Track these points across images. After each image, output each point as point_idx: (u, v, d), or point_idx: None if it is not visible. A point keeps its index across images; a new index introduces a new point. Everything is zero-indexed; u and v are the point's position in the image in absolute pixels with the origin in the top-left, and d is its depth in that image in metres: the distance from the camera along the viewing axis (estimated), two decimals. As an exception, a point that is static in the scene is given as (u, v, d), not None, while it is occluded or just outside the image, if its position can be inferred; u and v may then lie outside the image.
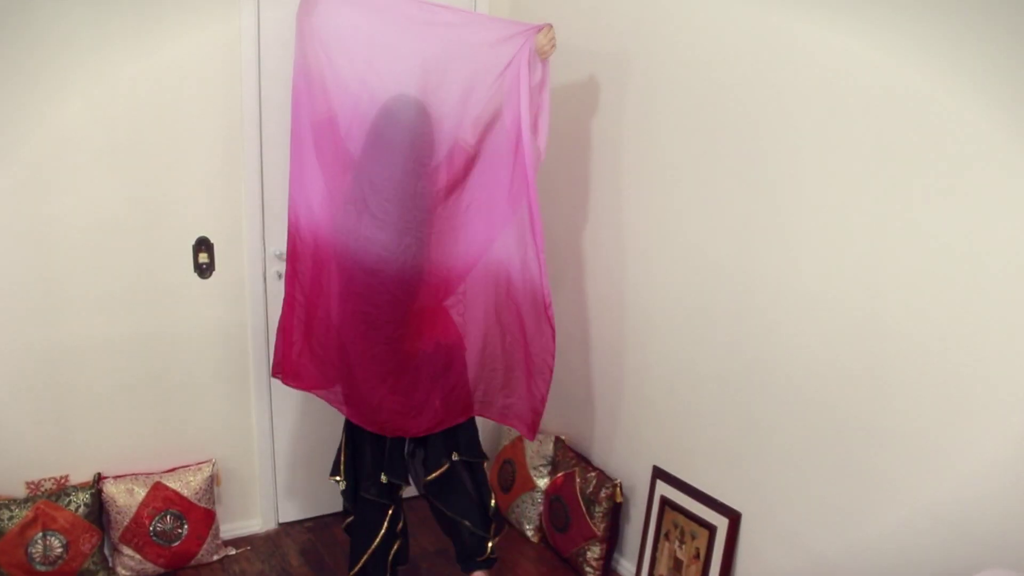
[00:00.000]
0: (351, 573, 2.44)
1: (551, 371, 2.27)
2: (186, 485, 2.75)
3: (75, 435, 2.66)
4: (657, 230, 2.54)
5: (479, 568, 2.49)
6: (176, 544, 2.72)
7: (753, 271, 2.20)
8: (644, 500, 2.66)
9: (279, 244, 2.81)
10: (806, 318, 2.06)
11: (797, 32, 2.00)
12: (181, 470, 2.79)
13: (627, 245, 2.67)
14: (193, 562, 2.79)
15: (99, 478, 2.67)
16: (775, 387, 2.17)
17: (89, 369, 2.65)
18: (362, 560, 2.41)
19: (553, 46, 2.21)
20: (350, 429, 2.42)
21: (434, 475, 2.37)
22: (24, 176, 2.45)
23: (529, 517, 3.05)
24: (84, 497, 2.59)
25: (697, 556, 2.42)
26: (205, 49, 2.64)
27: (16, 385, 2.55)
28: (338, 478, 2.45)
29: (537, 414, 2.33)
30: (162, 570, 2.73)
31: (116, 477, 2.70)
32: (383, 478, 2.36)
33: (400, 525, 2.47)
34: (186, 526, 2.73)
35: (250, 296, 2.88)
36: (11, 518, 2.47)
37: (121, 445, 2.74)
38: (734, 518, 2.32)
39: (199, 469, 2.80)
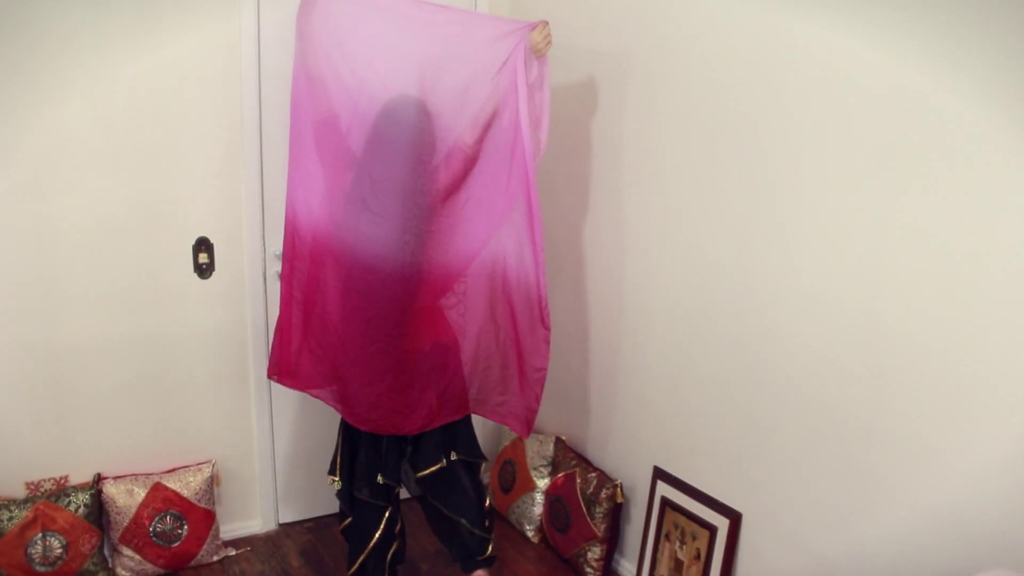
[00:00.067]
0: (349, 573, 2.44)
1: (543, 370, 2.27)
2: (186, 486, 2.75)
3: (75, 435, 2.66)
4: (657, 230, 2.54)
5: (479, 567, 2.49)
6: (176, 545, 2.72)
7: (753, 271, 2.20)
8: (645, 501, 2.66)
9: (279, 244, 2.78)
10: (806, 318, 2.05)
11: (797, 32, 1.99)
12: (181, 471, 2.79)
13: (627, 245, 2.67)
14: (193, 563, 2.78)
15: (99, 479, 2.67)
16: (775, 387, 2.17)
17: (89, 369, 2.65)
18: (359, 560, 2.41)
19: (549, 43, 2.20)
20: (346, 429, 2.42)
21: (427, 471, 2.36)
22: (24, 176, 2.45)
23: (529, 517, 3.05)
24: (84, 498, 2.59)
25: (698, 557, 2.42)
26: (205, 49, 2.64)
27: (16, 385, 2.55)
28: (334, 478, 2.45)
29: (532, 412, 2.32)
30: (162, 571, 2.73)
31: (116, 478, 2.70)
32: (379, 479, 2.36)
33: (398, 527, 2.47)
34: (186, 527, 2.73)
35: (250, 296, 2.88)
36: (11, 519, 2.47)
37: (121, 445, 2.74)
38: (735, 518, 2.32)
39: (199, 470, 2.80)
